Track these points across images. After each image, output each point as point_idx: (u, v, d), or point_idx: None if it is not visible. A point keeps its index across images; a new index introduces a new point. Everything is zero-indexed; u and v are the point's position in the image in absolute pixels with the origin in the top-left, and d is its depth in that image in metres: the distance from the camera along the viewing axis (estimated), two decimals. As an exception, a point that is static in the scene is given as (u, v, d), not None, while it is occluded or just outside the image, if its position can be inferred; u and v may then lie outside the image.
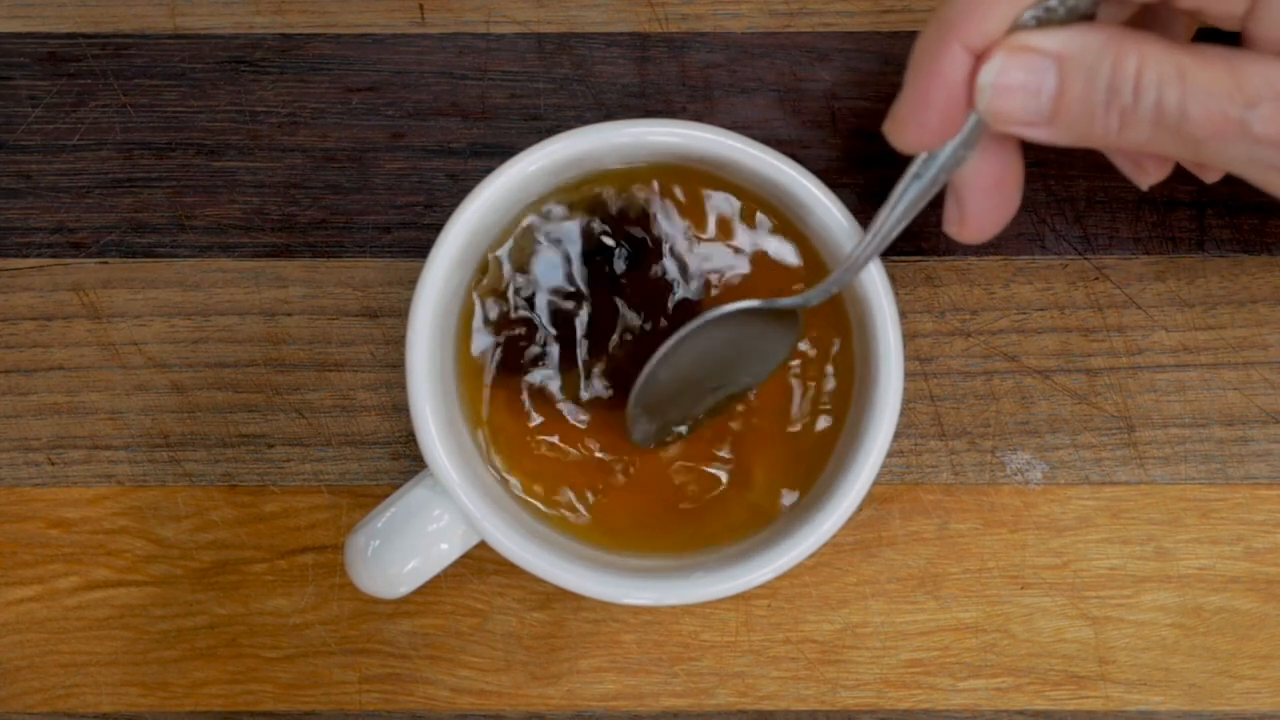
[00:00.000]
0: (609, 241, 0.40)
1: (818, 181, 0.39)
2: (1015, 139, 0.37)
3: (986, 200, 0.37)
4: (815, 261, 0.40)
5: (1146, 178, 0.39)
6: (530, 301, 0.40)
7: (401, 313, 0.44)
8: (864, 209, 0.44)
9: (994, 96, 0.34)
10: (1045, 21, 0.34)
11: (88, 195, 0.44)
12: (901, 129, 0.35)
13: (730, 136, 0.39)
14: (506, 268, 0.40)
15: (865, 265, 0.38)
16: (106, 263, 0.44)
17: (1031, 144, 0.44)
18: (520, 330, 0.40)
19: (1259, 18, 0.34)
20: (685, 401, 0.39)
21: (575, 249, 0.40)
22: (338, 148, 0.44)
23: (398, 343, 0.44)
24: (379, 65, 0.44)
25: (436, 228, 0.38)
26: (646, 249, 0.40)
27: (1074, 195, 0.44)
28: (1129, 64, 0.33)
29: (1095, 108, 0.34)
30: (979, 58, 0.34)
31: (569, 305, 0.40)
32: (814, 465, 0.40)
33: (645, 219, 0.40)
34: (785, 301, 0.39)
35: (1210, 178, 0.40)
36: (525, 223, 0.40)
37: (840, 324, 0.40)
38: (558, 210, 0.40)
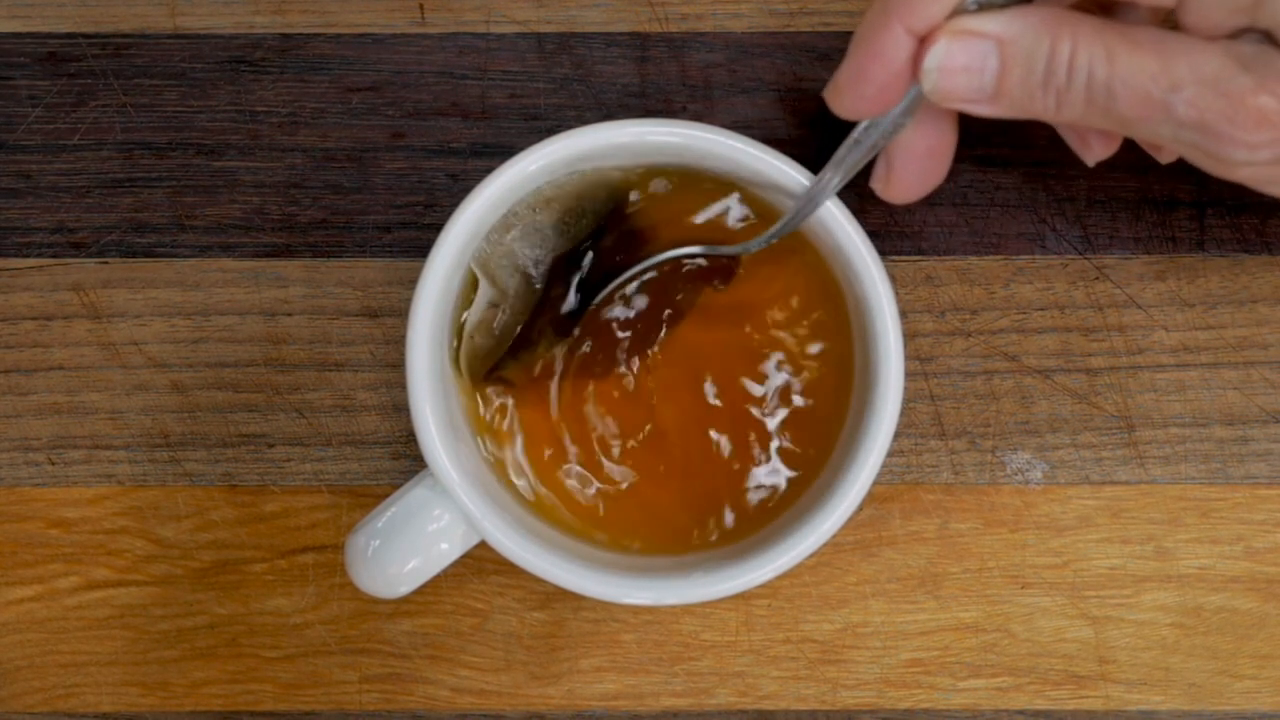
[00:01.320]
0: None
1: (813, 177, 0.39)
2: (952, 112, 0.39)
3: (917, 166, 0.39)
4: (813, 260, 0.40)
5: (1092, 154, 0.40)
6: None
7: (401, 313, 0.44)
8: (864, 208, 0.44)
9: (939, 79, 0.36)
10: (986, 5, 0.36)
11: (88, 195, 0.44)
12: (840, 98, 0.37)
13: (730, 136, 0.39)
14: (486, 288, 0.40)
15: (804, 218, 0.38)
16: (107, 263, 0.44)
17: (1026, 145, 0.44)
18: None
19: (1187, 8, 0.35)
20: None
21: (544, 253, 0.40)
22: (338, 148, 0.44)
23: (398, 343, 0.44)
24: (379, 65, 0.44)
25: (436, 228, 0.38)
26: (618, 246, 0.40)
27: (1074, 195, 0.44)
28: (1064, 46, 0.35)
29: (1034, 88, 0.36)
30: (921, 39, 0.36)
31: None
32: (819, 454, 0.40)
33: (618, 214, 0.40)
34: (728, 249, 0.39)
35: (1164, 158, 0.41)
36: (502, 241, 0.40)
37: (841, 323, 0.40)
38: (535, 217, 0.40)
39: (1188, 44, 0.35)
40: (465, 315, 0.40)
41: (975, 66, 0.35)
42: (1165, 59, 0.34)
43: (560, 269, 0.40)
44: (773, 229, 0.39)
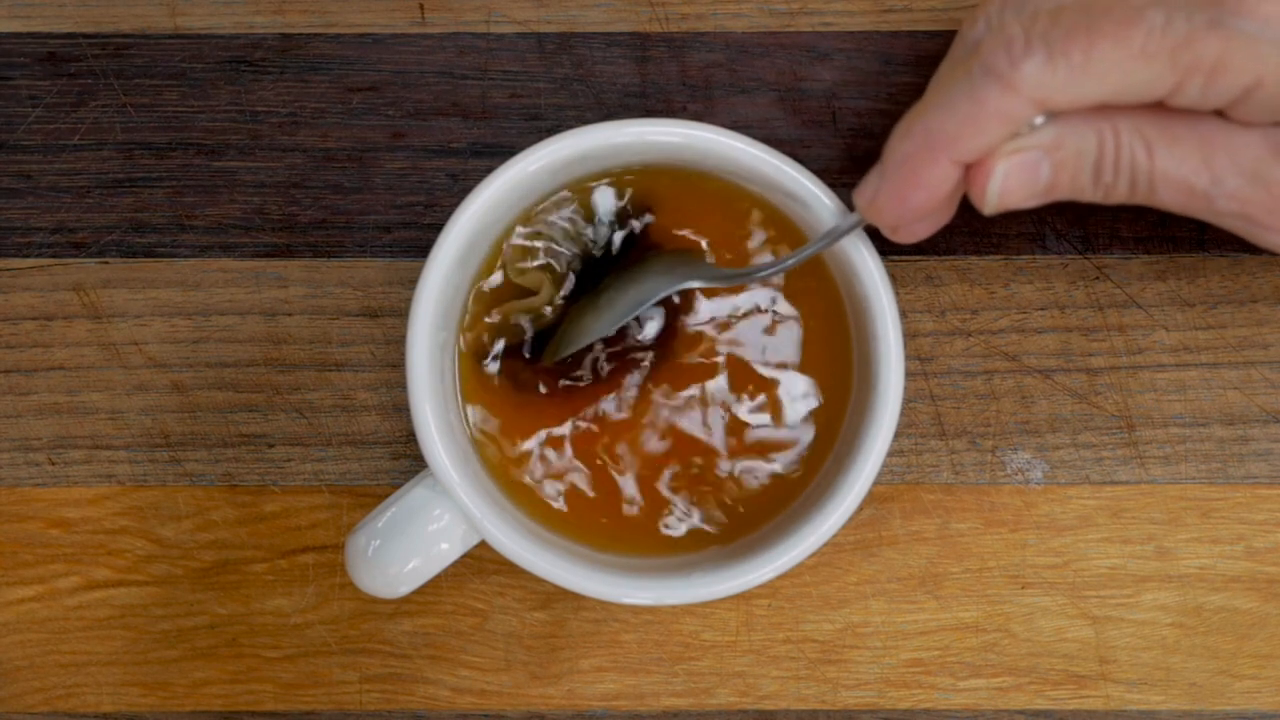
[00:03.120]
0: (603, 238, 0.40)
1: (818, 181, 0.39)
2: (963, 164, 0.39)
3: (929, 223, 0.39)
4: (812, 260, 0.40)
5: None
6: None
7: (401, 313, 0.44)
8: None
9: (999, 201, 0.37)
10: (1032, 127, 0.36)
11: (88, 195, 0.44)
12: (879, 215, 0.38)
13: (730, 136, 0.39)
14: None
15: (825, 248, 0.38)
16: (107, 263, 0.44)
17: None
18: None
19: (1238, 109, 0.35)
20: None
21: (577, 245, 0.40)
22: (338, 148, 0.44)
23: (398, 343, 0.44)
24: (379, 65, 0.44)
25: (436, 228, 0.38)
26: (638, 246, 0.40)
27: (1074, 195, 0.44)
28: (1108, 142, 0.36)
29: (1084, 184, 0.37)
30: (967, 166, 0.36)
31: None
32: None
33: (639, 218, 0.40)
34: (748, 273, 0.39)
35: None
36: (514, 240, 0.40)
37: (841, 323, 0.40)
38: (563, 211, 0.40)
39: (1227, 132, 0.35)
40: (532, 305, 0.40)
41: (1029, 179, 0.36)
42: (1205, 152, 0.35)
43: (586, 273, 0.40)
44: (798, 254, 0.39)
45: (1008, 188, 0.36)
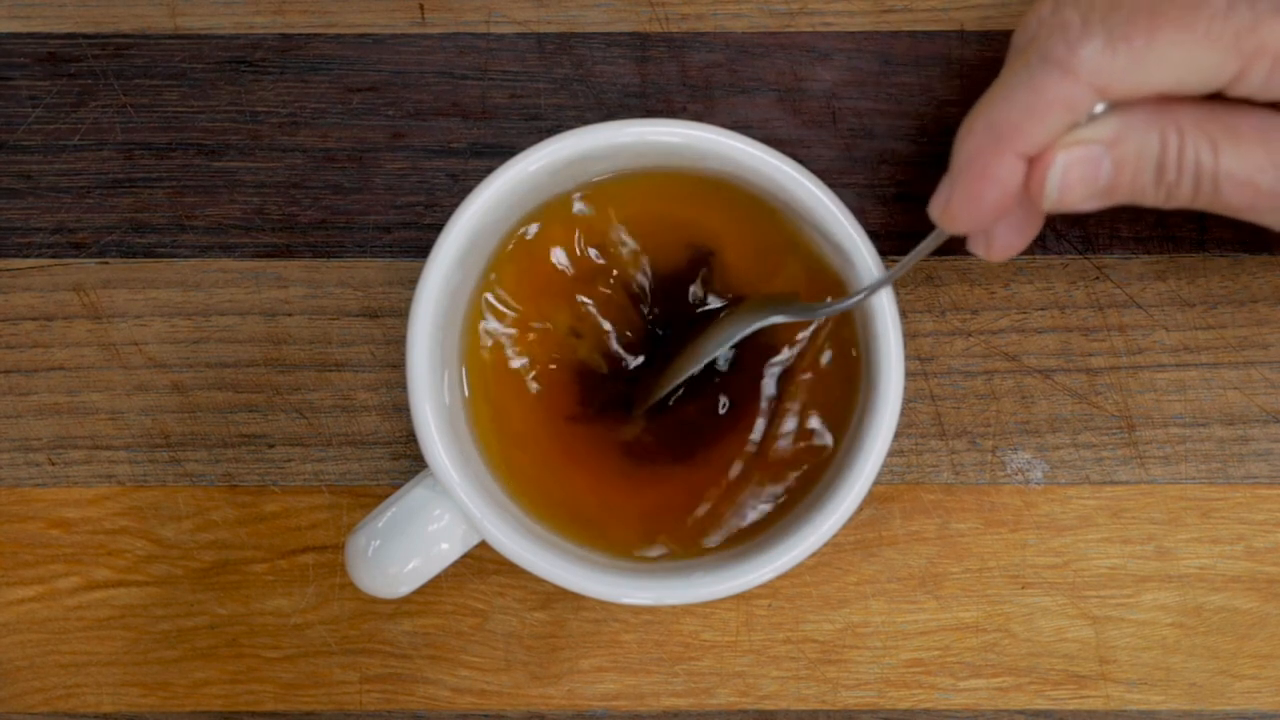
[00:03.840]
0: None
1: (818, 181, 0.39)
2: None
3: (1018, 231, 0.38)
4: (817, 263, 0.40)
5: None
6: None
7: (401, 313, 0.44)
8: (864, 208, 0.44)
9: (1060, 196, 0.36)
10: (1095, 116, 0.35)
11: (88, 195, 0.44)
12: (954, 221, 0.37)
13: (730, 136, 0.39)
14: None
15: (873, 295, 0.38)
16: (107, 263, 0.44)
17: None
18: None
19: None
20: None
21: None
22: (338, 148, 0.44)
23: (398, 343, 0.44)
24: (379, 65, 0.44)
25: (437, 228, 0.38)
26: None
27: (1074, 195, 0.44)
28: (1171, 140, 0.35)
29: (1146, 184, 0.36)
30: (1031, 158, 0.36)
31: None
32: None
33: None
34: (791, 316, 0.39)
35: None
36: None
37: (841, 323, 0.40)
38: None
39: None
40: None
41: (1090, 175, 0.36)
42: (1270, 148, 0.35)
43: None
44: (851, 299, 0.39)
45: (1068, 181, 0.35)
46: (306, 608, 0.44)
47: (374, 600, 0.44)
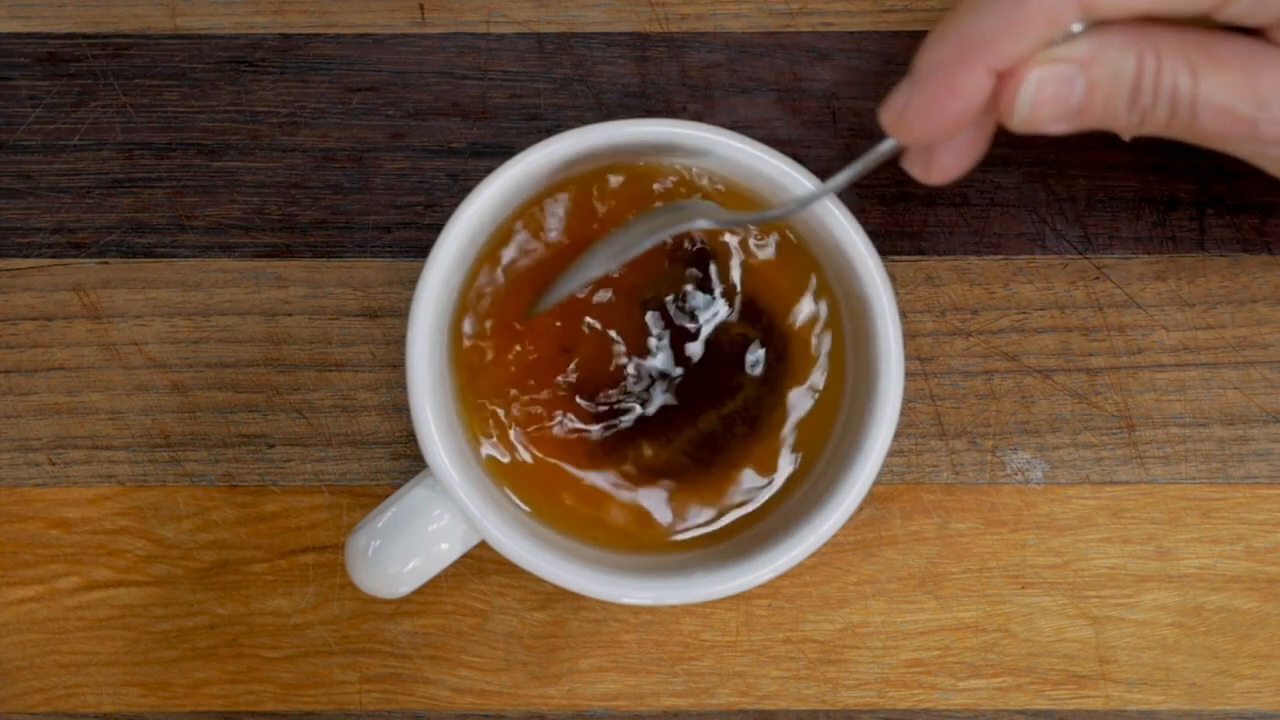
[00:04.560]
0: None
1: (818, 181, 0.39)
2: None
3: (962, 153, 0.37)
4: (813, 260, 0.40)
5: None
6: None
7: (401, 313, 0.44)
8: (865, 208, 0.44)
9: (1031, 112, 0.35)
10: (1068, 36, 0.35)
11: (88, 195, 0.44)
12: (909, 130, 0.36)
13: (731, 136, 0.39)
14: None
15: (815, 202, 0.38)
16: (107, 263, 0.44)
17: (1027, 145, 0.44)
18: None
19: (1278, 30, 0.34)
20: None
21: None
22: (338, 148, 0.44)
23: (398, 343, 0.44)
24: (379, 65, 0.44)
25: (436, 228, 0.38)
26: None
27: (1074, 195, 0.44)
28: (1149, 62, 0.34)
29: (1119, 107, 0.35)
30: (1001, 74, 0.35)
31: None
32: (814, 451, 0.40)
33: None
34: (717, 223, 0.38)
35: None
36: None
37: (841, 323, 0.40)
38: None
39: (1274, 58, 0.34)
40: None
41: (1063, 94, 0.35)
42: (1251, 76, 0.34)
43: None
44: (784, 209, 0.38)
45: (1040, 99, 0.34)
46: (306, 608, 0.44)
47: (374, 600, 0.44)
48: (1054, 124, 0.35)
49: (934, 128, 0.35)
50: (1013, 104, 0.35)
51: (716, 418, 0.40)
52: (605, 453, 0.40)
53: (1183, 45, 0.34)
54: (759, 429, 0.40)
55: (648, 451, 0.40)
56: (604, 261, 0.38)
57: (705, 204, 0.39)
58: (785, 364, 0.40)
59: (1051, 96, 0.35)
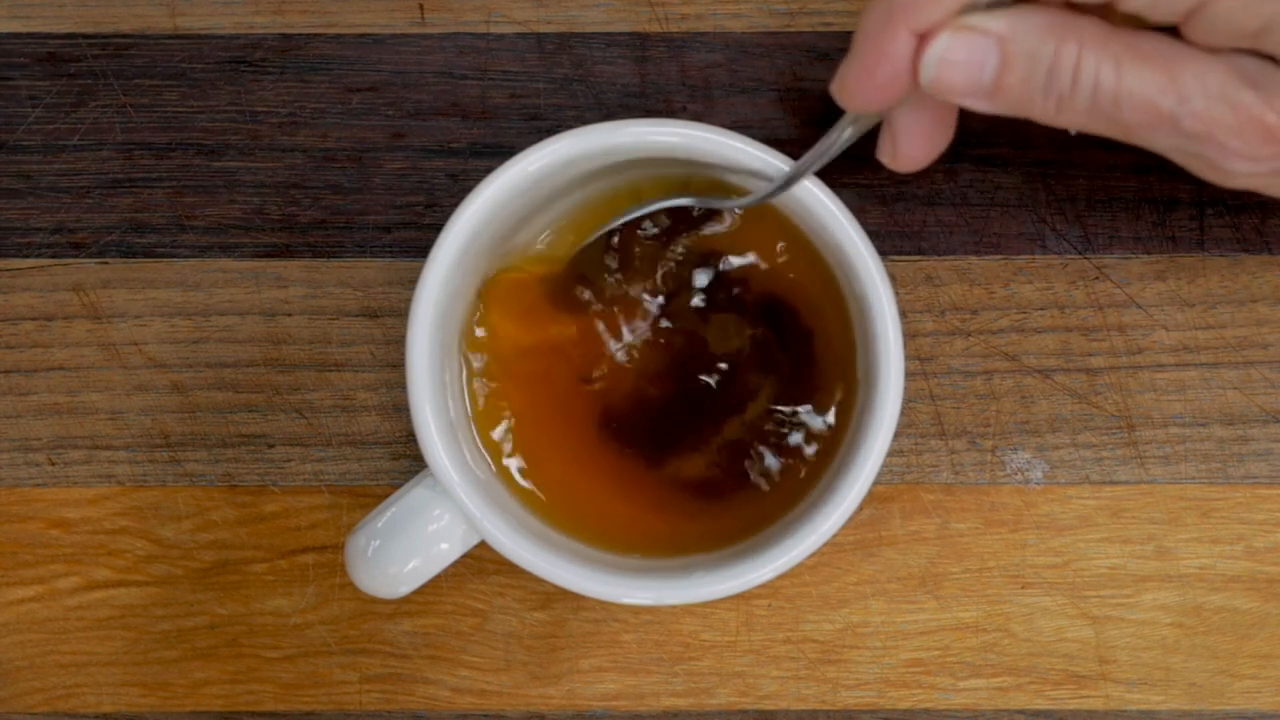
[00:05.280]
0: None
1: (817, 181, 0.39)
2: None
3: (923, 138, 0.39)
4: (813, 260, 0.40)
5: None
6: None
7: (401, 313, 0.44)
8: (864, 208, 0.44)
9: (938, 71, 0.36)
10: (992, 5, 0.35)
11: (88, 195, 0.44)
12: (850, 96, 0.37)
13: (730, 136, 0.39)
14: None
15: (798, 182, 0.38)
16: (106, 263, 0.44)
17: (1026, 145, 0.44)
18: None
19: (1192, 28, 0.35)
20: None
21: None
22: (338, 148, 0.44)
23: (398, 343, 0.44)
24: (379, 65, 0.44)
25: (436, 228, 0.38)
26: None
27: (1074, 195, 0.44)
28: (1069, 51, 0.35)
29: (1034, 90, 0.36)
30: (923, 37, 0.36)
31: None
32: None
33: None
34: (720, 202, 0.39)
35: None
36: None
37: (840, 323, 0.40)
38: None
39: (1192, 56, 0.35)
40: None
41: (975, 61, 0.35)
42: (1172, 72, 0.35)
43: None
44: (764, 192, 0.39)
45: (949, 61, 0.35)
46: (306, 608, 0.44)
47: (374, 600, 0.44)
48: (970, 97, 0.36)
49: (872, 92, 0.36)
50: (921, 61, 0.36)
51: (740, 424, 0.40)
52: (634, 459, 0.40)
53: (1106, 38, 0.35)
54: (786, 438, 0.40)
55: (675, 462, 0.40)
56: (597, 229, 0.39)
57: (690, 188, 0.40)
58: (804, 367, 0.40)
59: (963, 64, 0.35)
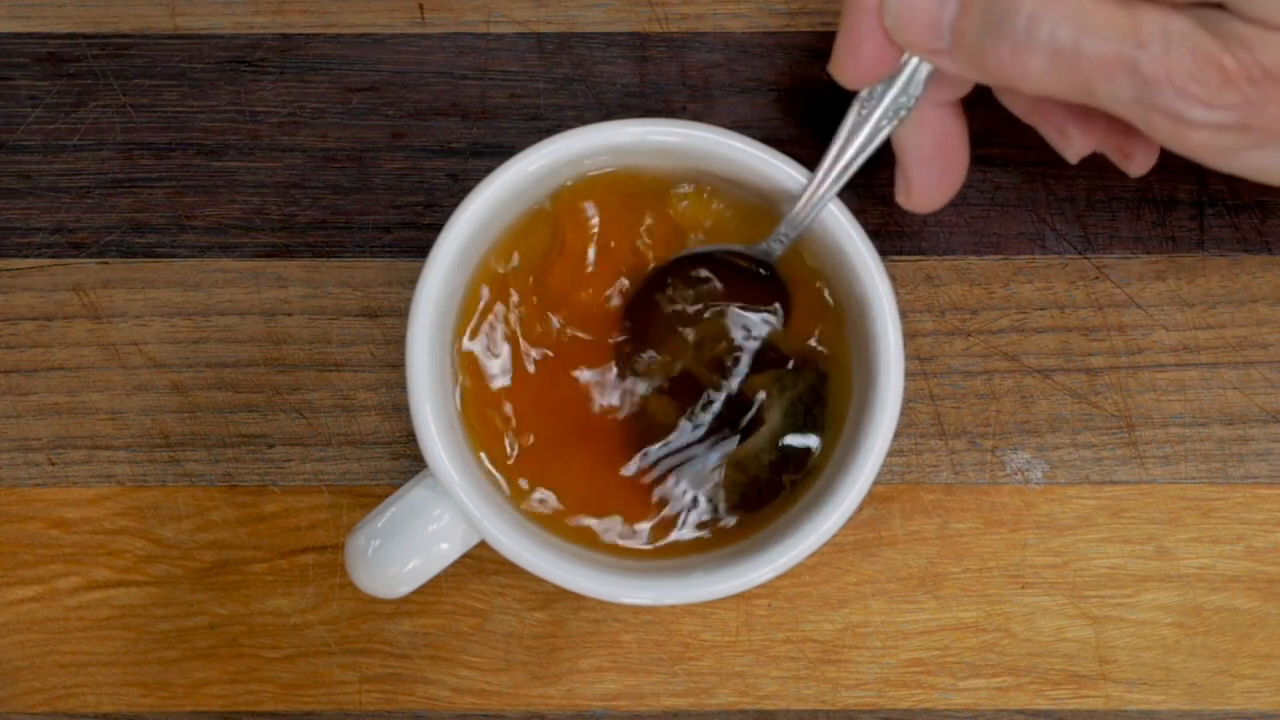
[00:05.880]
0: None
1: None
2: (955, 104, 0.39)
3: (930, 166, 0.39)
4: (814, 260, 0.40)
5: (1073, 149, 0.40)
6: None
7: (401, 313, 0.44)
8: (864, 208, 0.44)
9: (899, 11, 0.36)
10: None
11: (88, 195, 0.44)
12: (841, 67, 0.38)
13: (730, 136, 0.39)
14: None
15: (819, 209, 0.38)
16: (106, 263, 0.44)
17: (1026, 145, 0.44)
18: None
19: None
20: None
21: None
22: (338, 148, 0.44)
23: (398, 343, 0.44)
24: (379, 65, 0.44)
25: (436, 228, 0.38)
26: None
27: (1074, 195, 0.44)
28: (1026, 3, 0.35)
29: (988, 35, 0.35)
30: None
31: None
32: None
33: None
34: (747, 248, 0.39)
35: (1134, 169, 0.40)
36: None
37: (840, 323, 0.40)
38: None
39: (1152, 5, 0.35)
40: None
41: (933, 5, 0.36)
42: (1133, 17, 0.35)
43: None
44: (782, 225, 0.39)
45: (909, 3, 0.36)
46: (306, 608, 0.44)
47: (374, 600, 0.44)
48: (930, 42, 0.36)
49: (860, 53, 0.37)
50: (885, 8, 0.37)
51: (747, 453, 0.40)
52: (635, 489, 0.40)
53: None
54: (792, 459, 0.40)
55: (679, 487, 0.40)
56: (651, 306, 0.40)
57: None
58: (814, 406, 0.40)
59: (923, 5, 0.36)
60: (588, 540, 0.40)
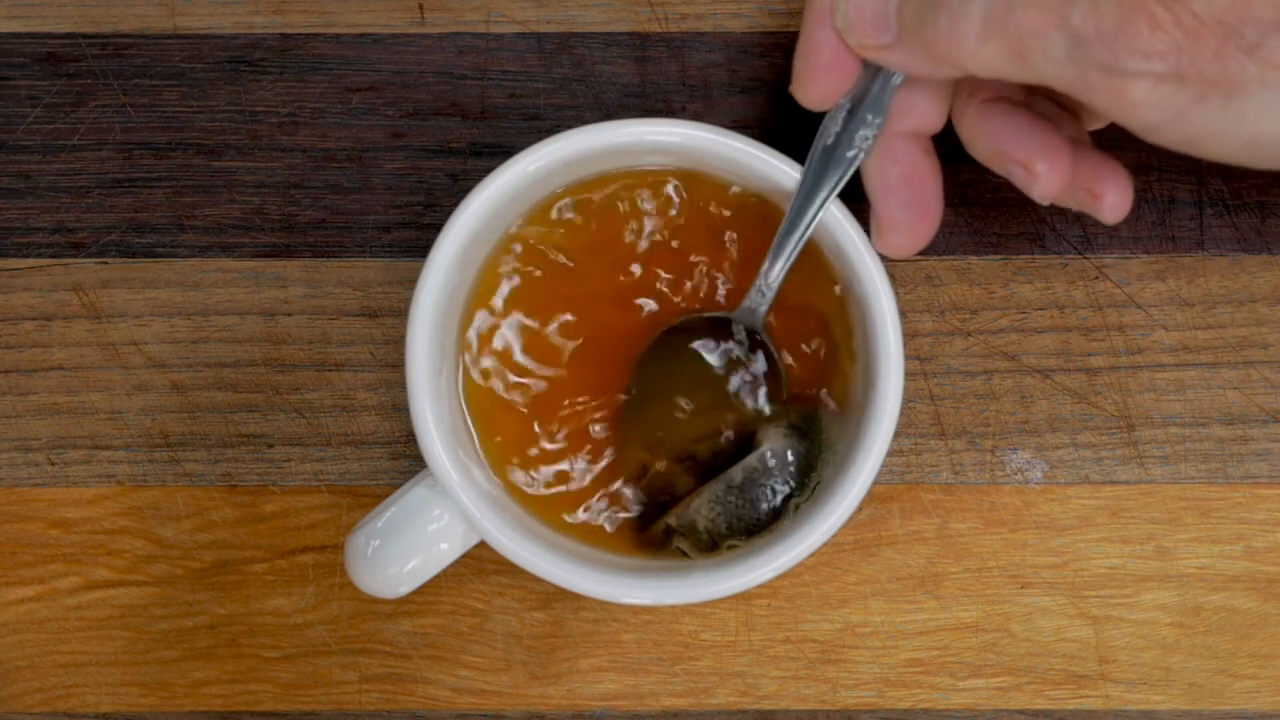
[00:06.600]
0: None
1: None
2: (925, 140, 0.39)
3: (896, 198, 0.39)
4: (814, 259, 0.40)
5: (1039, 187, 0.38)
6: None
7: (401, 313, 0.44)
8: (863, 208, 0.44)
9: (847, 10, 0.37)
10: None
11: (88, 195, 0.44)
12: (799, 81, 0.38)
13: (730, 136, 0.39)
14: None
15: (788, 265, 0.39)
16: (106, 263, 0.44)
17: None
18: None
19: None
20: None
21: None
22: (338, 148, 0.44)
23: (398, 343, 0.44)
24: (379, 65, 0.44)
25: (436, 228, 0.38)
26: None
27: (1074, 195, 0.44)
28: None
29: (926, 9, 0.36)
30: None
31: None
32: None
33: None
34: (719, 314, 0.40)
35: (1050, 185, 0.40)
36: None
37: (840, 323, 0.40)
38: None
39: None
40: None
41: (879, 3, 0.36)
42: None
43: None
44: (760, 279, 0.39)
45: (856, 2, 0.37)
46: (306, 608, 0.44)
47: (373, 600, 0.44)
48: (876, 35, 0.37)
49: (819, 66, 0.38)
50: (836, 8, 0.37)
51: (741, 471, 0.40)
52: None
53: None
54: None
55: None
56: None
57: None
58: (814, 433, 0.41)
59: (869, 3, 0.37)
60: (589, 538, 0.40)
